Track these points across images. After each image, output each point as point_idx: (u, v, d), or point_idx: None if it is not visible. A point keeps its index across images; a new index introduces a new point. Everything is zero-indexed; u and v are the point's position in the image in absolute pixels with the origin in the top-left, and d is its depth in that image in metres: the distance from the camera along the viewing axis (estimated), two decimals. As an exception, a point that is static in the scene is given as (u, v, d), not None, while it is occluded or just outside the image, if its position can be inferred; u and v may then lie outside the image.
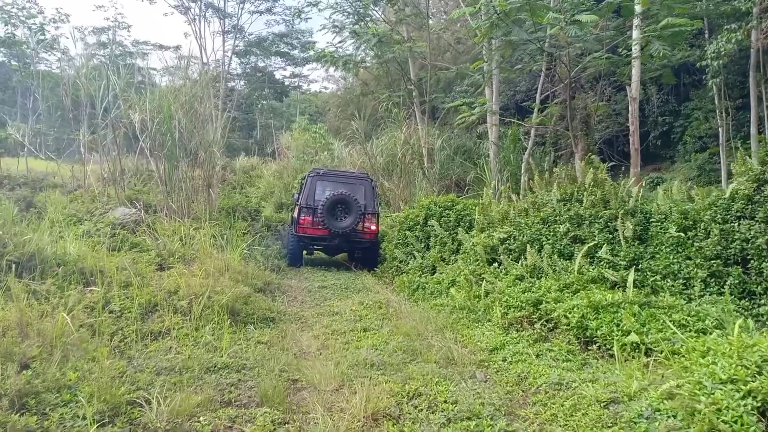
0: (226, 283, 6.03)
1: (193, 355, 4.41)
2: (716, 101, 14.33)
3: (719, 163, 14.44)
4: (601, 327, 4.99)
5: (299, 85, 41.86)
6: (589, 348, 4.99)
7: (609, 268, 6.28)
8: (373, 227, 10.14)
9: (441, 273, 7.57)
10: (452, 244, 8.15)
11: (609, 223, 6.98)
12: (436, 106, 19.08)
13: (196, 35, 31.52)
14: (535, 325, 5.53)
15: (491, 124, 14.89)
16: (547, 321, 5.57)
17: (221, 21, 32.38)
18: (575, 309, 5.33)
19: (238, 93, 36.05)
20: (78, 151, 10.26)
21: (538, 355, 4.88)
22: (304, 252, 10.50)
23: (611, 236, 6.83)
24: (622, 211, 6.74)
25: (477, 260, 7.32)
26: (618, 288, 5.99)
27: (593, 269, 6.27)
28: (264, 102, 37.71)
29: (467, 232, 7.91)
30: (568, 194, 7.88)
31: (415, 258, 8.37)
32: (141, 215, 7.87)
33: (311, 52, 36.25)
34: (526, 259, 6.84)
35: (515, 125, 13.16)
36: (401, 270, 8.54)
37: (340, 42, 17.41)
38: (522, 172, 11.97)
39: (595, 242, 6.55)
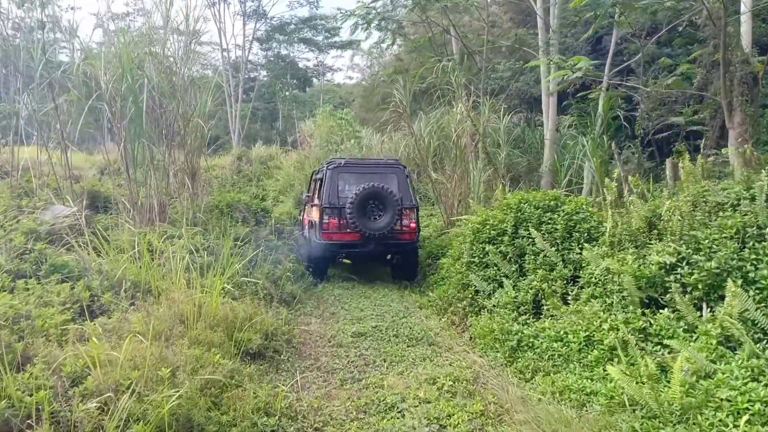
0: (186, 352, 3.28)
1: None
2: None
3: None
4: None
5: (323, 72, 40.18)
6: None
7: None
8: (413, 225, 8.47)
9: (557, 319, 4.68)
10: (565, 267, 5.24)
11: None
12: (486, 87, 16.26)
13: (215, 18, 29.49)
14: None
15: (548, 106, 12.11)
16: None
17: (242, 4, 30.60)
18: None
19: (259, 83, 34.65)
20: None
21: None
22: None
23: None
24: None
25: (624, 300, 4.40)
26: None
27: None
28: (287, 93, 36.21)
29: (591, 249, 4.98)
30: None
31: (503, 288, 5.49)
32: (81, 218, 5.22)
33: (336, 39, 35.18)
34: (720, 302, 3.94)
35: (608, 94, 10.10)
36: (479, 304, 5.68)
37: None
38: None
39: None
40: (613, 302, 4.44)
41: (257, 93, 34.60)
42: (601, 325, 4.18)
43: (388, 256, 8.60)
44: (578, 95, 11.27)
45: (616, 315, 4.23)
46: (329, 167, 8.57)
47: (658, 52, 12.93)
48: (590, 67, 8.47)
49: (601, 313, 4.30)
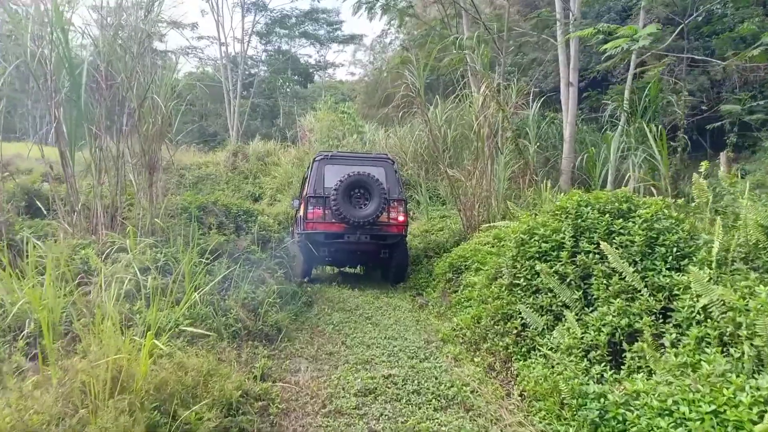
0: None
1: None
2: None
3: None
4: None
5: (325, 67, 39.63)
6: None
7: None
8: (401, 218, 8.42)
9: (652, 374, 3.29)
10: (649, 296, 3.85)
11: None
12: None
13: (213, 11, 28.43)
14: None
15: (567, 98, 10.97)
16: None
17: (241, -4, 29.85)
18: None
19: (259, 78, 34.56)
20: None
21: None
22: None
23: None
24: None
25: (759, 352, 3.00)
26: None
27: None
28: (288, 88, 35.49)
29: (696, 272, 3.57)
30: None
31: (562, 322, 4.11)
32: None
33: (339, 33, 34.43)
34: None
35: (655, 72, 8.76)
36: (529, 343, 4.30)
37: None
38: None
39: None
40: (742, 356, 3.05)
41: (257, 89, 33.90)
42: (735, 395, 2.80)
43: (381, 254, 8.36)
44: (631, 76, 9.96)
45: (756, 379, 2.84)
46: (316, 159, 8.62)
47: (673, 45, 11.83)
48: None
49: (732, 375, 2.90)
